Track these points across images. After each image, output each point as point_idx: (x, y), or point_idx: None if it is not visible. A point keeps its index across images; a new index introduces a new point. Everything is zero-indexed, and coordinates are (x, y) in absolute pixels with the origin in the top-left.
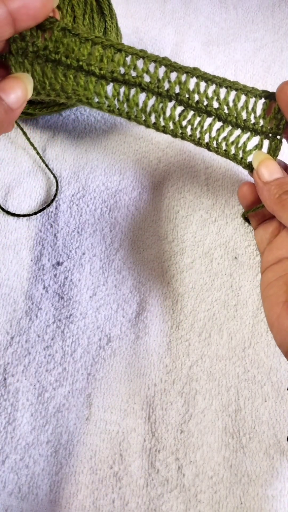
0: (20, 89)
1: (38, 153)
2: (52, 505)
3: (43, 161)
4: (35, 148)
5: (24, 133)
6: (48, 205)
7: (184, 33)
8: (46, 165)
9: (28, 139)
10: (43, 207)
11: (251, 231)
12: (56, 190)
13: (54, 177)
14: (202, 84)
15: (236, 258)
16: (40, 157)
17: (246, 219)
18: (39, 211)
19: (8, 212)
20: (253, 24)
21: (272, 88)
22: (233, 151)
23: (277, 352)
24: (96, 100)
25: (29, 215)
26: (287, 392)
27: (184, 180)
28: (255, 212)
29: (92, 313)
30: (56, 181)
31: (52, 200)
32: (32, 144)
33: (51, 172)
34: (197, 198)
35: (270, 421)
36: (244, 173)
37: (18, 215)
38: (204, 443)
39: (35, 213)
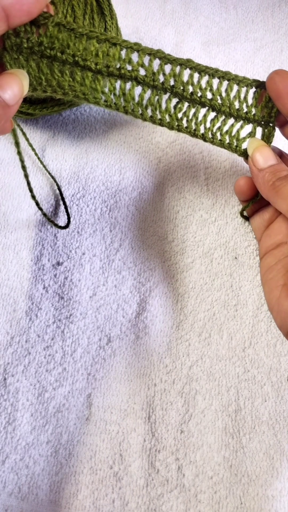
0: (16, 85)
1: (38, 157)
2: (52, 505)
3: (43, 164)
4: (33, 150)
5: (24, 134)
6: (67, 210)
7: (184, 33)
8: (45, 168)
9: (28, 140)
10: (67, 215)
11: (251, 231)
12: (60, 190)
13: (54, 180)
14: (196, 76)
15: (236, 258)
16: (40, 161)
17: (244, 216)
18: (68, 218)
19: (55, 225)
20: (253, 24)
21: None
22: (227, 140)
23: (277, 352)
24: (93, 95)
25: (65, 227)
26: (287, 392)
27: (184, 180)
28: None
29: (92, 313)
30: (56, 183)
31: (65, 204)
32: (31, 146)
33: (50, 175)
34: (197, 198)
35: (270, 421)
36: (244, 172)
37: (60, 227)
38: (204, 443)
39: (66, 226)
